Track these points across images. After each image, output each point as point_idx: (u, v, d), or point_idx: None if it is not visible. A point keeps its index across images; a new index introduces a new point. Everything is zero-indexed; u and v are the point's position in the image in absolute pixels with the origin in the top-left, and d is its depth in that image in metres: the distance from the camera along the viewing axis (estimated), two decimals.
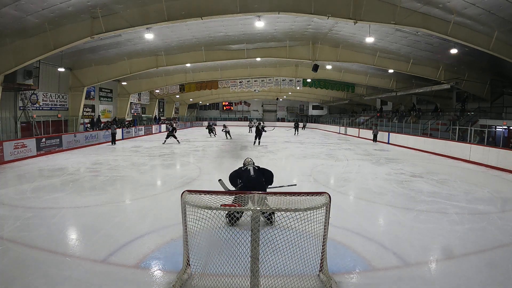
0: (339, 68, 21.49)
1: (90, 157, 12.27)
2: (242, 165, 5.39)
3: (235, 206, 3.34)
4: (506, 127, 15.07)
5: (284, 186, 5.81)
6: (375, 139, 20.81)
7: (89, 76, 17.74)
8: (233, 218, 3.95)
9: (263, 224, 4.29)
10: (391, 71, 17.93)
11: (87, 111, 20.21)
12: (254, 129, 22.24)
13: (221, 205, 3.19)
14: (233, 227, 3.33)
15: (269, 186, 5.26)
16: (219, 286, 3.12)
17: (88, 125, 19.19)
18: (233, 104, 48.08)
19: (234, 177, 5.10)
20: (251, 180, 4.88)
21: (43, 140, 12.92)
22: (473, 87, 17.28)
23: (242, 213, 4.13)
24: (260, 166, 5.35)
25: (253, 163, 5.45)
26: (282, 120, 47.86)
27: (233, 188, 5.07)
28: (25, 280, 3.24)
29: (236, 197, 3.46)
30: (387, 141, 20.09)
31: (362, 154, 14.27)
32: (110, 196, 6.56)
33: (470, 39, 10.96)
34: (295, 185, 6.27)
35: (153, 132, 26.90)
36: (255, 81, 25.91)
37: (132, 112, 26.95)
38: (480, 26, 10.58)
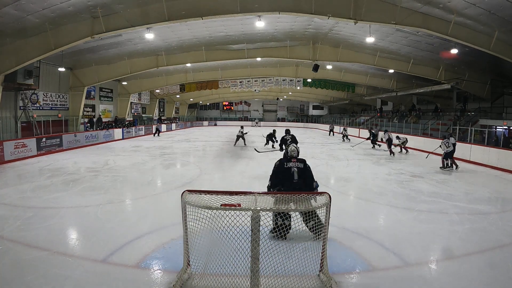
0: (339, 68, 21.48)
1: (90, 157, 12.27)
2: (286, 154, 4.33)
3: (236, 206, 3.34)
4: (506, 127, 15.07)
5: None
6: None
7: (90, 76, 17.74)
8: (281, 231, 3.39)
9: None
10: (391, 71, 17.92)
11: (88, 111, 20.21)
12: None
13: (221, 205, 3.19)
14: (236, 227, 3.29)
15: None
16: (219, 286, 3.12)
17: (88, 125, 19.18)
18: (233, 104, 48.07)
19: (275, 177, 4.10)
20: (294, 189, 3.86)
21: (44, 140, 12.93)
22: (474, 87, 17.28)
23: (290, 220, 3.58)
24: (306, 163, 4.23)
25: (298, 153, 4.35)
26: (283, 120, 47.86)
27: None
28: (25, 280, 3.24)
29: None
30: None
31: (362, 154, 14.26)
32: (110, 196, 6.56)
33: (471, 39, 10.95)
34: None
35: (154, 132, 26.86)
36: (255, 81, 25.90)
37: (132, 112, 26.96)
38: (481, 26, 10.57)
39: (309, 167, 4.24)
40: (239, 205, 3.22)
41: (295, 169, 4.10)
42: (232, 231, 3.09)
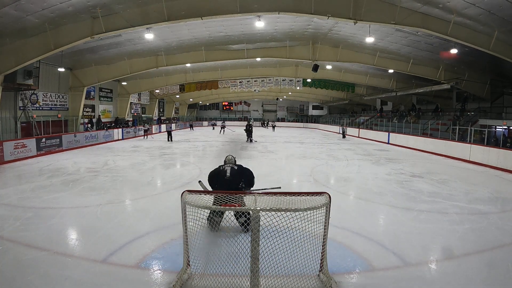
0: (339, 68, 21.49)
1: (90, 157, 12.27)
2: (223, 163, 5.00)
3: (235, 206, 3.34)
4: (506, 127, 15.08)
5: (267, 188, 5.21)
6: (343, 135, 24.80)
7: (89, 76, 17.74)
8: (214, 224, 3.86)
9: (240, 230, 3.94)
10: (391, 71, 17.93)
11: (87, 111, 20.20)
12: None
13: (220, 205, 3.18)
14: (231, 229, 3.31)
15: (251, 189, 4.82)
16: (219, 286, 3.12)
17: (89, 125, 19.18)
18: (233, 104, 48.06)
19: (211, 177, 4.74)
20: (226, 182, 4.52)
21: (43, 140, 12.92)
22: (473, 87, 17.28)
23: (222, 217, 4.04)
24: (242, 166, 4.91)
25: (235, 161, 5.01)
26: (282, 120, 47.90)
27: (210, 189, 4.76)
28: (25, 280, 3.24)
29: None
30: (387, 141, 20.10)
31: (362, 154, 14.27)
32: (110, 196, 6.56)
33: (470, 39, 10.95)
34: (280, 187, 5.34)
35: (153, 132, 26.90)
36: (255, 81, 25.90)
37: (132, 112, 26.95)
38: (480, 26, 10.58)
39: (246, 170, 4.90)
40: (239, 205, 3.22)
41: (228, 168, 4.76)
42: (232, 231, 3.09)
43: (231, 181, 4.58)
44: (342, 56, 16.46)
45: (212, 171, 4.86)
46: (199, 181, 5.08)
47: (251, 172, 4.89)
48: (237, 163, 5.02)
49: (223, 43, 15.65)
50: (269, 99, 44.35)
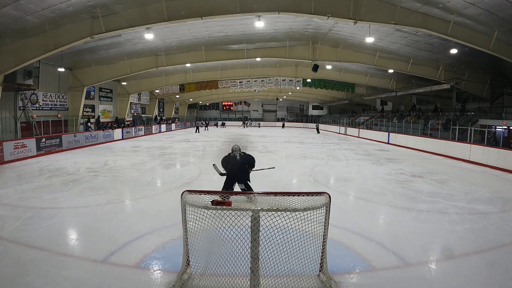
0: (339, 68, 21.49)
1: (90, 157, 12.27)
2: (231, 151, 6.05)
3: (226, 205, 3.29)
4: (506, 127, 15.08)
5: (264, 168, 6.44)
6: (317, 131, 28.46)
7: (89, 76, 17.72)
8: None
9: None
10: (391, 71, 17.93)
11: (87, 111, 20.17)
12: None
13: (215, 203, 3.10)
14: (233, 226, 3.27)
15: (252, 169, 5.88)
16: (219, 286, 3.12)
17: (89, 124, 19.13)
18: (233, 104, 48.07)
19: (224, 161, 5.78)
20: (237, 164, 5.60)
21: (43, 140, 12.92)
22: (473, 87, 17.29)
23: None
24: (246, 152, 5.94)
25: (239, 149, 6.05)
26: (282, 120, 47.93)
27: (223, 171, 5.72)
28: (25, 280, 3.24)
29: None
30: (387, 141, 20.09)
31: (362, 154, 14.27)
32: (110, 196, 6.56)
33: (470, 39, 10.96)
34: (274, 167, 7.09)
35: (153, 132, 26.92)
36: (255, 81, 25.90)
37: (132, 112, 26.94)
38: (480, 26, 10.58)
39: (249, 155, 5.90)
40: (229, 204, 3.14)
41: (237, 154, 5.82)
42: (232, 231, 3.09)
43: (240, 162, 5.65)
44: (342, 56, 16.45)
45: (225, 156, 5.89)
46: (213, 164, 6.06)
47: (253, 156, 5.91)
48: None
49: (223, 43, 15.65)
50: (269, 99, 44.34)
